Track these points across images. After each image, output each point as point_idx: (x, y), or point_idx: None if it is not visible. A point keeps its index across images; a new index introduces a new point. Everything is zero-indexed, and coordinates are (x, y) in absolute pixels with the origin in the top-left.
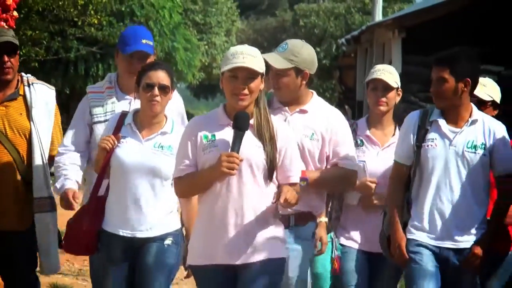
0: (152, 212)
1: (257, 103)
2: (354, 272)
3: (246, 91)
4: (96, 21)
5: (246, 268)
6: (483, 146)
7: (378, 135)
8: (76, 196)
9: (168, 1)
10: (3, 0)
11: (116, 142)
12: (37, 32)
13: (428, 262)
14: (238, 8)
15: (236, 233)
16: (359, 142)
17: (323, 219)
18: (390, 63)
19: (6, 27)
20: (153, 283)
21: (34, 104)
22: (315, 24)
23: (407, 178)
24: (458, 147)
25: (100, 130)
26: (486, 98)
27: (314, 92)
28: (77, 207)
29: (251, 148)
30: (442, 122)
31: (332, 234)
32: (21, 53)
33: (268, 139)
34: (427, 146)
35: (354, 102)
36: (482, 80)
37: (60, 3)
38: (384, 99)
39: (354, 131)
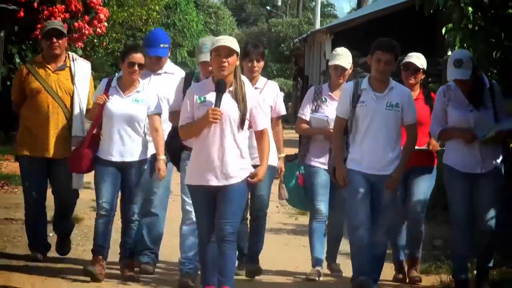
0: (133, 144)
1: (235, 75)
2: (320, 185)
3: (226, 64)
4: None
5: (222, 189)
6: (397, 104)
7: (337, 95)
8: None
9: (195, 17)
10: (98, 16)
11: (106, 98)
12: (118, 34)
13: (359, 186)
14: (236, 21)
15: (217, 164)
16: (323, 99)
17: (282, 155)
18: (324, 55)
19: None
20: (137, 192)
21: (76, 73)
22: (281, 31)
23: (345, 128)
24: (381, 106)
25: None
26: (420, 66)
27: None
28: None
29: (230, 106)
30: (369, 89)
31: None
32: (109, 47)
33: (241, 100)
34: (360, 106)
35: (304, 76)
36: (417, 54)
37: (132, 17)
38: (342, 79)
39: (320, 92)
